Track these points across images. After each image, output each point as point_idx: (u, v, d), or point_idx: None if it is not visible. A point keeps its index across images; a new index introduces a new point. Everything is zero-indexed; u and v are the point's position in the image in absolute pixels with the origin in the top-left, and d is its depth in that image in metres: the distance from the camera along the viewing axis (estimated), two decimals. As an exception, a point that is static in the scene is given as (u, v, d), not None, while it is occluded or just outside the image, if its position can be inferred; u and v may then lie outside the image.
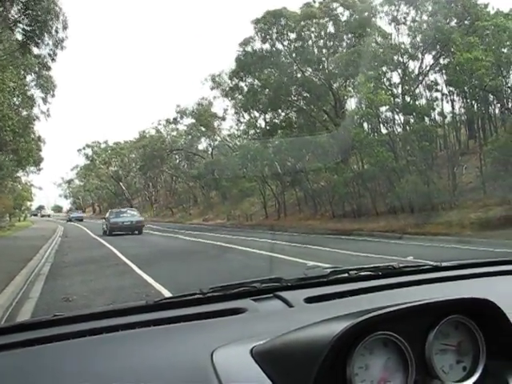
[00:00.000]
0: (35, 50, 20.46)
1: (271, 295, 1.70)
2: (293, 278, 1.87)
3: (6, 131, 22.10)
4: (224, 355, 1.22)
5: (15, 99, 25.34)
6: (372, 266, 2.06)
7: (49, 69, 23.75)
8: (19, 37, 18.80)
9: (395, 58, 26.64)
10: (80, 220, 64.38)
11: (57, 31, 18.76)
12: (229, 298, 1.71)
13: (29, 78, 26.97)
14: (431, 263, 2.12)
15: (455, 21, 25.85)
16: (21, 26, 17.87)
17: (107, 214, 32.69)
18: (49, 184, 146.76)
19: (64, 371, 1.23)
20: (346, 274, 1.94)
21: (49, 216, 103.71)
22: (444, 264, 2.13)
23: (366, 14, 27.95)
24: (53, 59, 21.64)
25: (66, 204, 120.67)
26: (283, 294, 1.68)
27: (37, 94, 27.95)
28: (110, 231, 29.35)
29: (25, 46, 18.70)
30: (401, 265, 2.07)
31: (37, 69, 25.50)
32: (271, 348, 1.21)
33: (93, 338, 1.40)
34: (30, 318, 6.89)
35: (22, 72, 25.28)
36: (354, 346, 1.14)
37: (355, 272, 1.95)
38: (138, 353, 1.31)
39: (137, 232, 29.70)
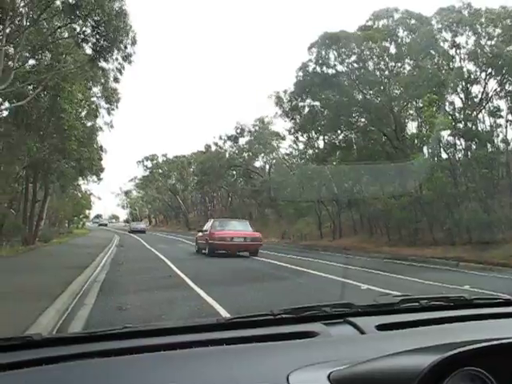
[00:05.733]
0: (103, 64, 20.97)
1: (342, 320, 1.67)
2: (363, 305, 1.85)
3: (71, 141, 22.82)
4: (301, 379, 1.20)
5: (80, 110, 26.10)
6: (443, 295, 2.02)
7: (117, 81, 24.43)
8: (89, 51, 19.39)
9: (458, 82, 26.25)
10: (142, 232, 58.66)
11: (126, 47, 19.29)
12: (299, 320, 1.69)
13: (94, 89, 27.86)
14: (505, 296, 2.04)
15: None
16: (92, 40, 18.39)
17: (209, 225, 23.25)
18: (107, 193, 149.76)
19: None
20: (417, 303, 1.89)
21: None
22: None
23: (428, 37, 27.55)
24: (121, 73, 22.37)
25: (122, 214, 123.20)
26: (354, 319, 1.65)
27: (102, 105, 28.85)
28: (212, 250, 20.91)
29: (94, 60, 19.30)
30: (473, 296, 2.02)
31: (103, 81, 26.24)
32: (351, 375, 1.18)
33: (167, 353, 1.40)
34: (85, 324, 7.03)
35: (89, 84, 26.08)
36: (441, 379, 1.09)
37: (426, 301, 1.90)
38: (214, 371, 1.31)
39: (248, 254, 21.18)
